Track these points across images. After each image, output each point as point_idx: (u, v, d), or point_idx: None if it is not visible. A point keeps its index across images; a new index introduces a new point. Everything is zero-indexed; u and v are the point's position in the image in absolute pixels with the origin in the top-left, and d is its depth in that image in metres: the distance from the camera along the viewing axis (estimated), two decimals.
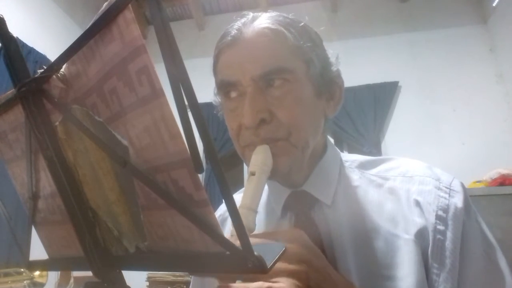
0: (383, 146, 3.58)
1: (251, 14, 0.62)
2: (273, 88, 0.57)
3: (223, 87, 0.60)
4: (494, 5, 3.47)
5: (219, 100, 0.66)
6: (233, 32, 0.59)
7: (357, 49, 3.50)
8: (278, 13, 0.62)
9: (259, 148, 0.56)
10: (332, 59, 0.64)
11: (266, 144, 0.56)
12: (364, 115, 3.54)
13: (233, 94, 0.59)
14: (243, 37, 0.58)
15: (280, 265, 0.40)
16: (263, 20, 0.59)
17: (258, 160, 0.54)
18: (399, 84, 3.64)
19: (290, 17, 0.61)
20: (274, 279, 0.40)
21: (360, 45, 3.61)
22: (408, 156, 0.67)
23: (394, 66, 3.67)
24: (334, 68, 0.64)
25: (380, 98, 3.57)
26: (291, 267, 0.40)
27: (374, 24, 3.86)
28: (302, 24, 0.61)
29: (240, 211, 0.50)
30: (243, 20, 0.61)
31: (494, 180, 2.50)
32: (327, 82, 0.62)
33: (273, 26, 0.58)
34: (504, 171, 2.51)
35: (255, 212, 0.51)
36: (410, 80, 3.63)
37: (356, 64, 3.39)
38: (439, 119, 3.47)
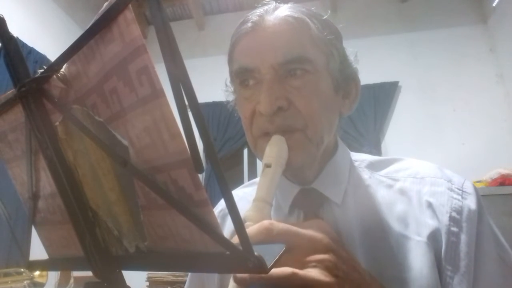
0: (383, 146, 3.58)
1: (273, 3, 0.60)
2: (293, 77, 0.55)
3: (240, 75, 0.59)
4: (494, 5, 3.47)
5: (232, 89, 0.65)
6: (254, 18, 0.58)
7: (357, 49, 3.48)
8: (301, 5, 0.60)
9: (274, 138, 0.54)
10: (351, 57, 0.63)
11: (281, 133, 0.54)
12: (364, 115, 3.54)
13: (250, 82, 0.58)
14: (264, 24, 0.57)
15: (308, 251, 0.40)
16: (286, 9, 0.58)
17: (273, 152, 0.53)
18: (399, 84, 3.64)
19: (312, 9, 0.60)
20: (305, 270, 0.40)
21: (360, 45, 3.57)
22: (408, 156, 0.66)
23: (394, 66, 3.67)
24: (352, 66, 0.63)
25: (380, 98, 3.58)
26: (319, 256, 0.40)
27: (374, 24, 3.86)
28: (325, 17, 0.60)
29: (255, 203, 0.49)
30: (265, 8, 0.59)
31: (494, 180, 2.51)
32: (344, 78, 0.61)
33: (296, 15, 0.56)
34: (504, 171, 2.51)
35: (271, 205, 0.50)
36: (410, 80, 3.63)
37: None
38: (439, 119, 3.47)
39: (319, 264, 0.39)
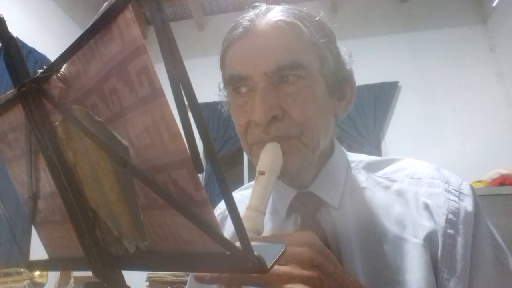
0: (383, 146, 3.58)
1: (264, 6, 0.59)
2: (286, 84, 0.54)
3: (233, 82, 0.58)
4: (494, 5, 3.47)
5: (226, 94, 0.64)
6: (245, 23, 0.56)
7: (357, 49, 3.46)
8: (293, 6, 0.59)
9: (269, 145, 0.53)
10: (345, 57, 0.62)
11: (276, 141, 0.53)
12: (364, 115, 3.54)
13: (243, 89, 0.57)
14: (256, 29, 0.55)
15: (293, 270, 0.39)
16: (278, 13, 0.56)
17: (267, 159, 0.52)
18: (399, 84, 3.65)
19: (304, 10, 0.58)
20: (288, 286, 0.39)
21: (360, 45, 3.60)
22: (408, 156, 0.66)
23: (394, 66, 3.67)
24: (347, 67, 0.62)
25: (380, 98, 3.58)
26: (305, 273, 0.39)
27: (374, 24, 3.86)
28: (317, 18, 0.58)
29: (248, 212, 0.48)
30: (255, 11, 0.58)
31: (494, 180, 2.51)
32: (339, 80, 0.60)
33: (288, 19, 0.55)
34: (504, 171, 2.51)
35: (264, 213, 0.49)
36: (410, 80, 3.63)
37: (356, 64, 3.35)
38: (439, 119, 3.47)
39: (304, 281, 0.38)
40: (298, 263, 0.39)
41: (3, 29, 0.36)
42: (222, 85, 0.64)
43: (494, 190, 2.39)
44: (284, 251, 0.38)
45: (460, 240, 0.52)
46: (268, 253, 0.35)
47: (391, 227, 0.55)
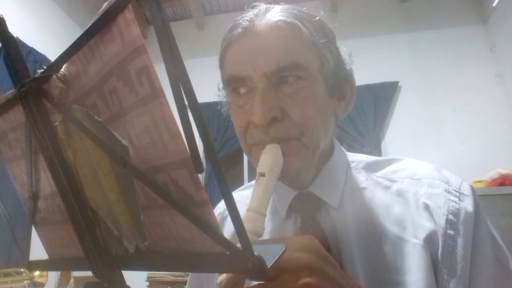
0: (383, 146, 3.58)
1: (263, 6, 0.58)
2: (286, 85, 0.54)
3: (232, 82, 0.57)
4: (494, 5, 3.47)
5: (225, 94, 0.63)
6: (244, 23, 0.56)
7: (357, 49, 3.46)
8: (292, 6, 0.58)
9: (269, 147, 0.53)
10: (345, 57, 0.61)
11: (276, 143, 0.53)
12: (364, 115, 3.54)
13: (242, 90, 0.56)
14: (255, 30, 0.55)
15: (292, 277, 0.39)
16: (277, 13, 0.56)
17: (268, 161, 0.52)
18: (399, 84, 3.64)
19: (304, 10, 0.58)
20: None
21: (360, 45, 3.60)
22: (408, 156, 0.66)
23: (394, 66, 3.67)
24: (347, 67, 0.61)
25: (380, 98, 3.58)
26: (305, 280, 0.38)
27: (374, 24, 3.86)
28: (317, 18, 0.58)
29: (248, 214, 0.48)
30: (255, 11, 0.57)
31: (494, 180, 2.51)
32: (339, 80, 0.59)
33: (288, 20, 0.54)
34: (504, 171, 2.51)
35: (264, 215, 0.48)
36: (410, 80, 3.63)
37: (356, 64, 3.34)
38: (439, 119, 3.47)
39: None
40: (298, 269, 0.39)
41: (3, 29, 0.36)
42: (221, 85, 0.64)
43: (494, 190, 2.39)
44: (284, 251, 0.38)
45: (460, 241, 0.52)
46: (268, 253, 0.35)
47: (391, 228, 0.55)
